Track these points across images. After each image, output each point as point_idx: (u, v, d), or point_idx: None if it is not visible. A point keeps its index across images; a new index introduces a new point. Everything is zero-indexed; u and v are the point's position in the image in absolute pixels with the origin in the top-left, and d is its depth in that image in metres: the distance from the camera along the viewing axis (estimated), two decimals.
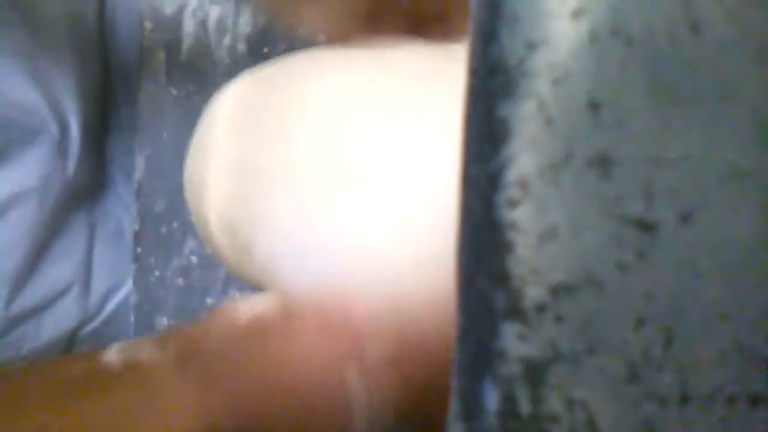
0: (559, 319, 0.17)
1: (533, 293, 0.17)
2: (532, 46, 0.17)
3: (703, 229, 0.17)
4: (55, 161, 0.55)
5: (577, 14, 0.17)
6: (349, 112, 0.32)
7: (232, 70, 0.53)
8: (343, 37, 0.37)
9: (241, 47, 0.54)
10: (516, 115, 0.17)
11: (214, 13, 0.55)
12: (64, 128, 0.55)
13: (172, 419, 0.27)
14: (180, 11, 0.56)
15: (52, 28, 0.54)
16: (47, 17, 0.53)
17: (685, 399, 0.17)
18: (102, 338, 0.59)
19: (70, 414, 0.27)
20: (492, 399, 0.18)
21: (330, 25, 0.39)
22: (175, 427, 0.27)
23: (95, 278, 0.60)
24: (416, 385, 0.29)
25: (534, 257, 0.17)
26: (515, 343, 0.17)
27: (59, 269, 0.57)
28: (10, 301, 0.53)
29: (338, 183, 0.31)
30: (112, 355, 0.29)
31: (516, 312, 0.17)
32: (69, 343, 0.58)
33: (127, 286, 0.60)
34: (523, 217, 0.17)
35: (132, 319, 0.59)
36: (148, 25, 0.57)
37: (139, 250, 0.58)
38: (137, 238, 0.58)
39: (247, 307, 0.31)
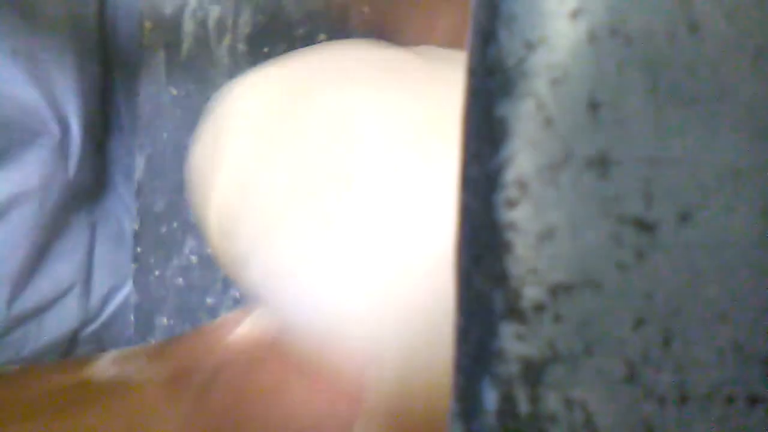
0: (557, 319, 0.17)
1: (532, 293, 0.17)
2: (530, 46, 0.17)
3: (702, 228, 0.17)
4: (56, 161, 0.55)
5: (576, 14, 0.17)
6: (366, 153, 0.30)
7: (232, 70, 0.53)
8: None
9: (241, 47, 0.54)
10: (515, 115, 0.17)
11: (214, 12, 0.55)
12: (64, 128, 0.55)
13: None
14: (180, 11, 0.56)
15: (52, 28, 0.54)
16: (47, 17, 0.54)
17: (683, 399, 0.17)
18: (103, 339, 0.59)
19: (54, 427, 0.26)
20: (491, 399, 0.18)
21: (441, 37, 0.38)
22: None
23: (96, 278, 0.60)
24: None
25: (533, 257, 0.17)
26: (514, 343, 0.17)
27: (60, 270, 0.57)
28: (11, 301, 0.53)
29: (333, 230, 0.30)
30: (104, 365, 0.28)
31: (514, 312, 0.17)
32: (70, 344, 0.58)
33: (128, 287, 0.60)
34: (521, 217, 0.17)
35: (132, 319, 0.59)
36: (148, 24, 0.57)
37: (138, 249, 0.58)
38: (137, 237, 0.58)
39: (243, 330, 0.31)
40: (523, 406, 0.17)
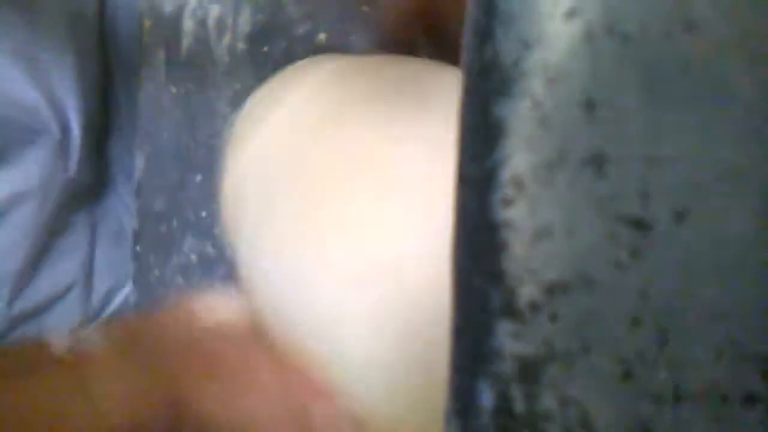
0: (553, 317, 0.17)
1: (528, 292, 0.17)
2: (527, 46, 0.17)
3: (698, 227, 0.17)
4: (56, 161, 0.55)
5: (571, 13, 0.17)
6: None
7: (231, 69, 0.53)
8: None
9: (241, 46, 0.54)
10: (511, 115, 0.17)
11: (214, 11, 0.55)
12: (64, 128, 0.55)
13: (99, 405, 0.27)
14: (180, 10, 0.56)
15: (52, 28, 0.54)
16: (47, 17, 0.54)
17: (679, 398, 0.17)
18: None
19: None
20: (487, 397, 0.18)
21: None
22: (100, 412, 0.27)
23: (97, 278, 0.60)
24: None
25: (529, 256, 0.17)
26: (510, 341, 0.17)
27: (61, 269, 0.57)
28: (11, 301, 0.53)
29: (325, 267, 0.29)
30: (61, 339, 0.28)
31: (511, 311, 0.17)
32: None
33: (129, 286, 0.60)
34: (517, 216, 0.17)
35: None
36: (147, 23, 0.57)
37: (138, 248, 0.58)
38: (136, 236, 0.59)
39: (210, 310, 0.31)
40: (519, 405, 0.17)
